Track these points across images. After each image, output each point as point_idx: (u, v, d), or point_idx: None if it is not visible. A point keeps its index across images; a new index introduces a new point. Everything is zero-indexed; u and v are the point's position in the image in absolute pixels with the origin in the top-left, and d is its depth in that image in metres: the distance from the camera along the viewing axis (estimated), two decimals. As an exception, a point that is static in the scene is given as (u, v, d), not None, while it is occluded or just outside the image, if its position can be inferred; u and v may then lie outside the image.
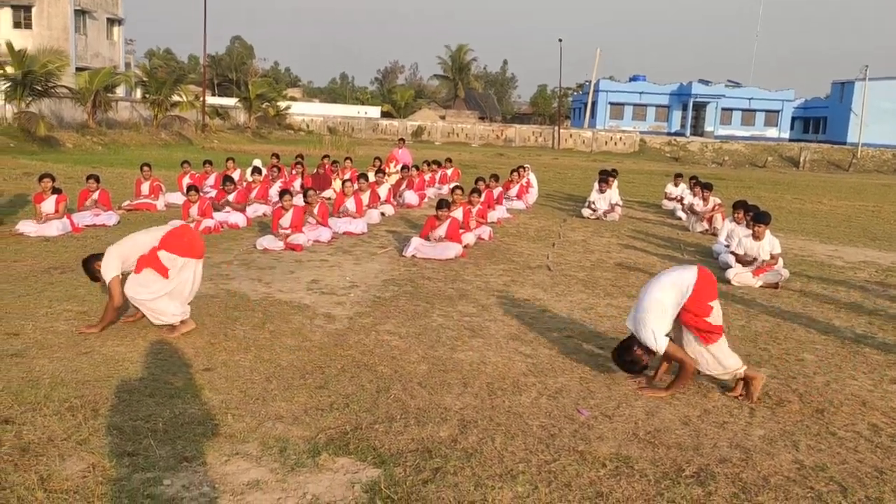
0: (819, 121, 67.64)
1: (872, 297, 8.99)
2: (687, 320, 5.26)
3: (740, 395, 5.25)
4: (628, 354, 5.30)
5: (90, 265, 6.13)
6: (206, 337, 6.07)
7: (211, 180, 15.63)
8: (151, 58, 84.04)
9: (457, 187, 12.27)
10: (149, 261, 6.01)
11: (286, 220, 10.57)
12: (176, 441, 4.12)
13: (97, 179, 12.25)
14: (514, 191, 16.92)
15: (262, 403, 4.74)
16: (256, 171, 15.35)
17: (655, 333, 5.12)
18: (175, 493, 3.58)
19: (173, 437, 4.18)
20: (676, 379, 5.29)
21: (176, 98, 36.99)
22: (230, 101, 53.54)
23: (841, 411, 5.09)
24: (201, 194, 12.33)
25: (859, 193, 27.77)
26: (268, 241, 10.27)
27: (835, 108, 64.13)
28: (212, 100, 53.01)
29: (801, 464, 4.22)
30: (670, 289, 5.24)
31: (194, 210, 11.50)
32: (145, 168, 13.95)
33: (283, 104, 52.72)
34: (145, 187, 13.78)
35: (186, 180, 14.66)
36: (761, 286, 9.18)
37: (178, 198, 13.83)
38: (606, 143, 53.92)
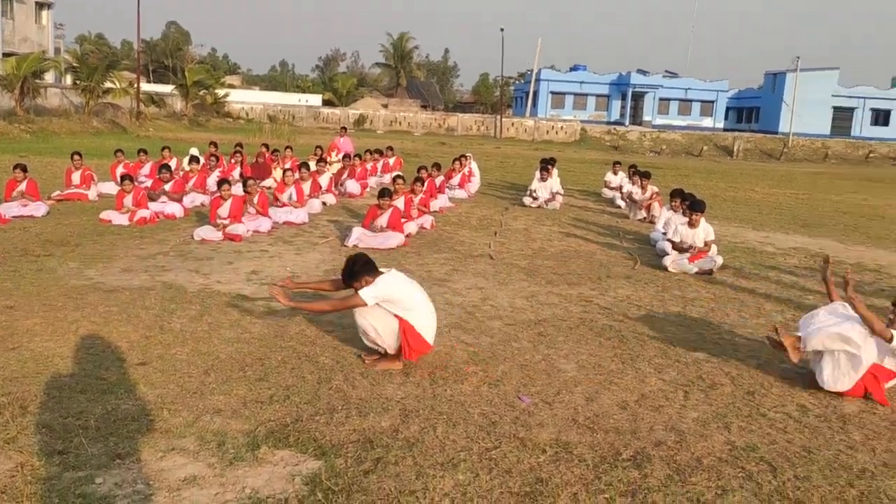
0: (752, 111, 69.50)
1: (802, 281, 9.30)
2: None
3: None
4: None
5: None
6: (140, 330, 5.92)
7: (146, 169, 15.22)
8: (82, 43, 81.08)
9: (398, 176, 12.23)
10: None
11: (225, 209, 10.38)
12: (108, 438, 4.02)
13: (24, 169, 11.79)
14: (456, 180, 16.94)
15: (200, 397, 4.65)
16: (194, 160, 15.03)
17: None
18: (107, 492, 3.49)
19: (106, 434, 4.07)
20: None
21: (109, 85, 35.83)
22: (166, 89, 52.21)
23: (771, 393, 5.26)
24: (136, 184, 12.01)
25: (790, 182, 28.67)
26: (206, 232, 10.08)
27: (767, 99, 65.99)
28: (146, 87, 51.54)
29: (733, 444, 4.34)
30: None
31: (128, 200, 11.20)
32: (76, 157, 13.50)
33: (221, 92, 51.56)
34: (76, 177, 13.34)
35: (120, 169, 14.27)
36: (696, 273, 9.40)
37: (111, 188, 13.48)
38: (548, 132, 54.39)
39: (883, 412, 4.98)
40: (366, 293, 5.24)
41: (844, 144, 55.56)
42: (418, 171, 14.29)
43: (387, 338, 5.31)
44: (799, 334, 5.33)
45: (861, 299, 5.28)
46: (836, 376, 5.18)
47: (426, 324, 5.41)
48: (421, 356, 5.45)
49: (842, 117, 64.64)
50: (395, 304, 5.31)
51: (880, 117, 65.11)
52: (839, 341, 5.13)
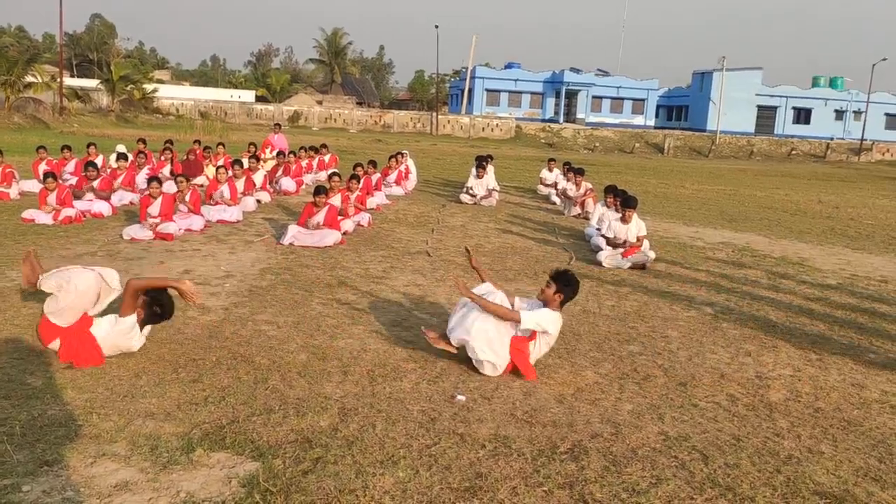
0: (681, 109, 71.30)
1: (729, 275, 9.59)
2: None
3: None
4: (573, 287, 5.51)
5: None
6: (67, 333, 5.71)
7: (70, 167, 14.71)
8: (1, 36, 78.00)
9: (334, 174, 12.13)
10: None
11: (155, 208, 10.11)
12: (35, 445, 3.87)
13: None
14: (392, 177, 16.90)
15: (131, 400, 4.52)
16: (122, 157, 14.59)
17: None
18: (35, 500, 3.36)
19: (32, 440, 3.92)
20: None
21: (30, 79, 34.54)
22: (91, 83, 50.52)
23: (702, 384, 5.41)
24: (60, 182, 11.60)
25: (717, 178, 29.54)
26: (135, 231, 9.81)
27: (695, 97, 67.78)
28: (70, 81, 49.86)
29: (666, 435, 4.45)
30: None
31: (52, 198, 10.80)
32: (-4, 154, 12.96)
33: (149, 87, 50.18)
34: (-4, 174, 12.82)
35: (43, 167, 13.76)
36: (630, 267, 9.60)
37: (33, 186, 12.99)
38: (484, 129, 54.71)
39: (807, 400, 5.18)
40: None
41: (768, 142, 57.57)
42: (355, 168, 14.20)
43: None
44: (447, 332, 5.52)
45: (477, 296, 5.39)
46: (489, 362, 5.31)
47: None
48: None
49: (765, 116, 66.96)
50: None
51: (801, 116, 67.68)
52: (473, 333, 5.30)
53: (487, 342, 5.25)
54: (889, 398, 5.31)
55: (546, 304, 5.48)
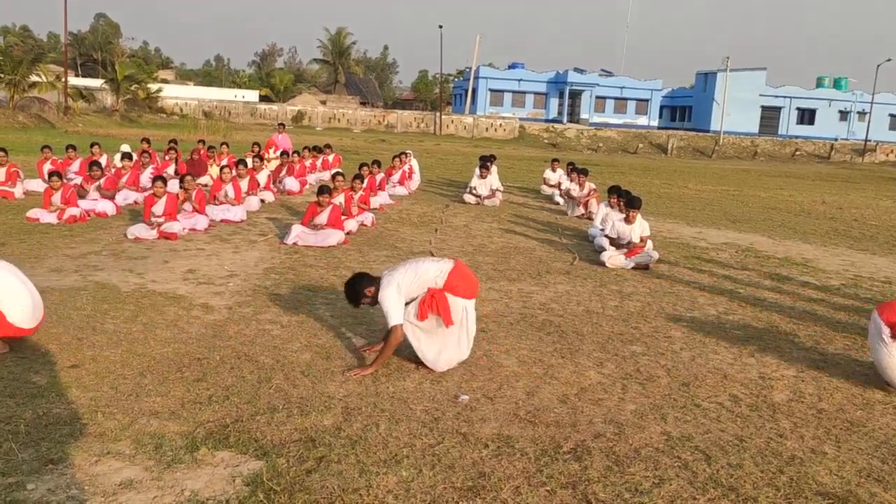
0: (685, 109, 71.20)
1: (733, 275, 9.59)
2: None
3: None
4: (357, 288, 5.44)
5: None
6: (72, 332, 5.74)
7: (75, 166, 14.76)
8: (6, 35, 78.29)
9: (338, 173, 12.14)
10: None
11: (159, 207, 10.13)
12: (40, 443, 3.89)
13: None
14: (396, 177, 16.92)
15: (135, 399, 4.54)
16: (127, 156, 14.63)
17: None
18: (40, 498, 3.38)
19: (37, 439, 3.94)
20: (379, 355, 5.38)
21: (34, 78, 34.62)
22: (95, 83, 50.58)
23: (705, 384, 5.41)
24: (64, 181, 11.63)
25: (721, 178, 29.51)
26: (139, 230, 9.83)
27: (699, 98, 67.68)
28: (75, 80, 49.89)
29: (669, 435, 4.45)
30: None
31: (57, 198, 10.83)
32: (0, 153, 13.00)
33: (153, 87, 50.22)
34: (1, 173, 12.85)
35: (48, 166, 13.77)
36: (633, 267, 9.60)
37: (38, 185, 13.01)
38: (487, 129, 54.68)
39: (810, 401, 5.18)
40: None
41: (772, 143, 57.49)
42: (360, 168, 14.21)
43: None
44: None
45: (374, 364, 5.29)
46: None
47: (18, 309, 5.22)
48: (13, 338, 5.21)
49: (769, 116, 66.88)
50: None
51: (805, 116, 67.56)
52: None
53: (436, 352, 5.33)
54: (892, 399, 5.30)
55: (379, 300, 5.34)
